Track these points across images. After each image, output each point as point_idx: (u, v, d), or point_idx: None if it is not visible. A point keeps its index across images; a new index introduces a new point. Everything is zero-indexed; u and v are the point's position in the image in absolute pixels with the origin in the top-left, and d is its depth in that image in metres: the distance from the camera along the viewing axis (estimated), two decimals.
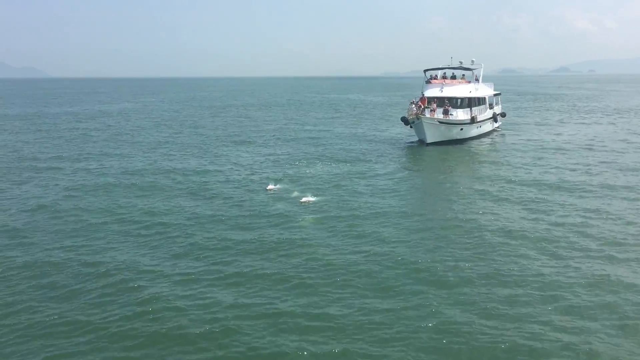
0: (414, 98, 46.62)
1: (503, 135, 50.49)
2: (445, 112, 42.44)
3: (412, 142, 45.42)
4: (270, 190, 27.01)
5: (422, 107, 41.96)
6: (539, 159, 36.13)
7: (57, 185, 28.99)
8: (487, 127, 50.10)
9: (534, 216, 22.26)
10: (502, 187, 27.67)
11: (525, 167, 33.33)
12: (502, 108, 58.83)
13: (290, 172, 32.31)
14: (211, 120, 69.70)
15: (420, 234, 19.88)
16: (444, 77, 48.94)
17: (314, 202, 24.47)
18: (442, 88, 46.00)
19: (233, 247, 18.56)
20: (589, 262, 17.07)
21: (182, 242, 19.17)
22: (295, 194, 25.87)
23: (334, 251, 18.04)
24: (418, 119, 40.97)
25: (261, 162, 35.94)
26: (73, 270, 16.73)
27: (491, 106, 52.27)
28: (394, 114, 75.84)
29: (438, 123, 41.70)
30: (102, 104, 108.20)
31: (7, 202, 25.39)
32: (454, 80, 48.36)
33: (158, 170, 33.10)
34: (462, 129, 43.81)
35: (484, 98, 50.06)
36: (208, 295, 14.75)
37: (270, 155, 39.14)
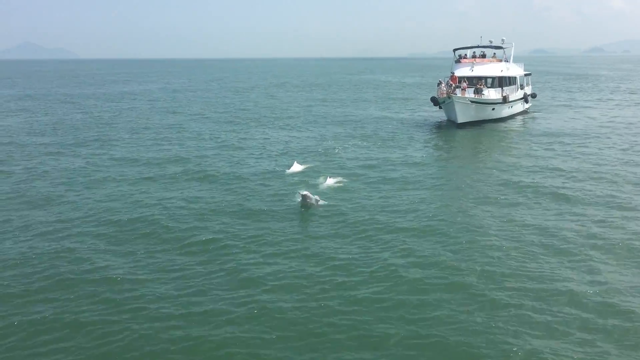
0: (442, 78, 45.79)
1: (533, 116, 49.36)
2: (477, 92, 41.59)
3: (440, 123, 44.68)
4: (293, 172, 26.43)
5: (453, 86, 41.14)
6: (572, 143, 34.88)
7: (87, 164, 29.41)
8: (518, 107, 49.11)
9: (572, 210, 20.60)
10: (538, 174, 26.01)
11: (558, 152, 32.20)
12: (532, 89, 57.54)
13: (316, 153, 32.08)
14: (238, 101, 69.69)
15: (453, 226, 18.46)
16: (474, 56, 47.89)
17: (340, 185, 24.07)
18: (473, 67, 45.05)
19: (253, 232, 18.09)
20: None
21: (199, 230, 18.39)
22: (320, 179, 24.86)
23: (357, 243, 17.11)
24: (449, 98, 40.21)
25: (287, 143, 35.83)
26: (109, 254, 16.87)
27: (522, 87, 51.13)
28: (422, 95, 74.85)
29: (469, 102, 40.93)
30: (128, 84, 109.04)
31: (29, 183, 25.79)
32: (485, 59, 47.29)
33: (173, 155, 32.69)
34: (493, 109, 42.97)
35: (515, 78, 48.97)
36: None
37: (296, 136, 38.96)
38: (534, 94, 55.25)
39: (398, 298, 13.18)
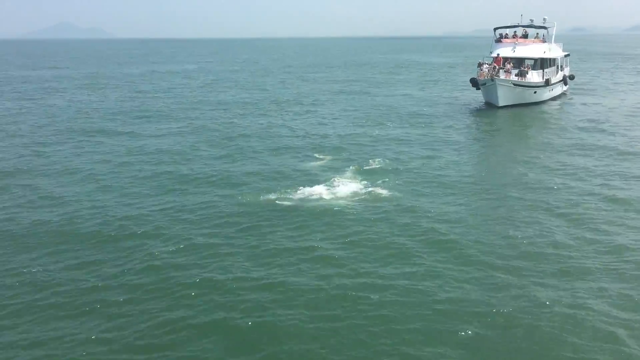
0: (482, 59, 44.64)
1: (572, 99, 47.81)
2: (521, 74, 40.42)
3: (479, 105, 43.61)
4: (323, 159, 26.05)
5: (497, 68, 40.03)
6: (616, 126, 33.71)
7: (125, 144, 29.70)
8: (558, 90, 47.80)
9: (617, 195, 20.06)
10: (587, 164, 24.66)
11: (603, 135, 31.14)
12: (570, 70, 55.80)
13: (349, 136, 31.64)
14: (268, 81, 69.39)
15: (495, 221, 17.60)
16: (515, 36, 46.46)
17: (377, 169, 23.75)
18: (515, 47, 43.67)
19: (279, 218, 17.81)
20: None
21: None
22: (352, 167, 24.08)
23: (392, 230, 16.68)
24: (492, 80, 39.11)
25: (320, 125, 35.51)
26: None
27: (561, 68, 49.68)
28: (458, 75, 73.34)
29: (512, 85, 39.85)
30: (163, 64, 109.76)
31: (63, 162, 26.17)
32: (527, 40, 45.85)
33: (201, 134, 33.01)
34: (535, 92, 41.81)
35: (555, 59, 47.52)
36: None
37: (330, 118, 38.52)
38: (572, 75, 53.68)
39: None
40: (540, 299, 12.33)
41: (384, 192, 20.09)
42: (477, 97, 46.34)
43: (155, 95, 53.26)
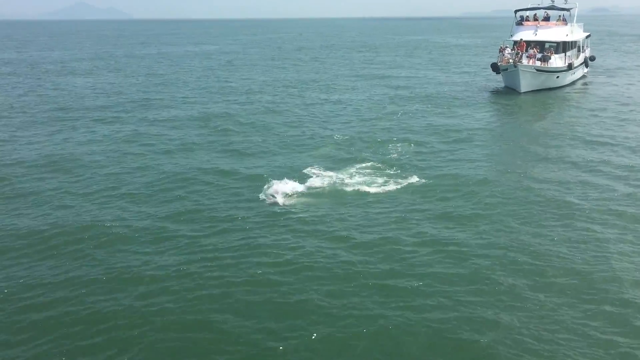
0: (503, 42, 43.84)
1: (594, 82, 46.86)
2: (544, 59, 39.63)
3: (499, 90, 42.83)
4: (341, 143, 25.91)
5: (520, 52, 39.29)
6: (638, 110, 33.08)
7: (144, 119, 29.83)
8: (579, 73, 47.00)
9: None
10: (612, 156, 23.72)
11: (628, 124, 30.46)
12: (590, 51, 54.84)
13: (368, 121, 31.41)
14: (284, 63, 69.02)
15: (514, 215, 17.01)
16: (536, 18, 45.39)
17: (395, 155, 23.64)
18: (537, 31, 42.72)
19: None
20: None
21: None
22: (370, 152, 23.93)
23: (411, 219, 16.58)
24: (515, 66, 38.31)
25: (338, 108, 35.28)
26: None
27: (582, 49, 48.79)
28: (479, 58, 72.13)
29: (535, 71, 39.12)
30: (178, 46, 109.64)
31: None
32: (550, 22, 44.85)
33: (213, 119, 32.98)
34: (557, 77, 41.05)
35: (577, 41, 46.64)
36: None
37: (348, 101, 38.23)
38: (592, 56, 52.74)
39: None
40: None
41: (401, 179, 19.96)
42: (497, 80, 45.57)
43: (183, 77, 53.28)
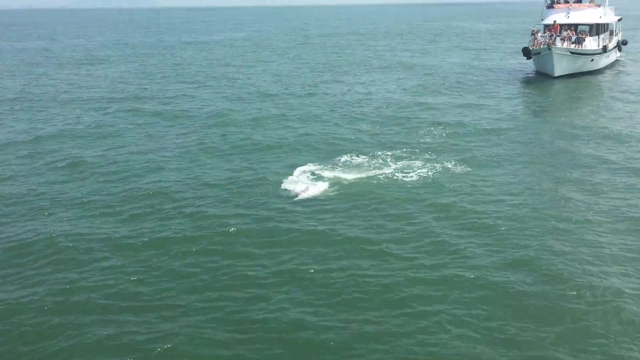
0: (534, 26, 42.85)
1: (627, 66, 45.59)
2: (578, 42, 38.59)
3: (530, 75, 41.85)
4: (371, 129, 25.67)
5: (554, 35, 38.37)
6: None
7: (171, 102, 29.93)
8: (613, 57, 45.75)
9: None
10: None
11: None
12: (622, 35, 53.06)
13: (400, 108, 31.02)
14: (309, 50, 68.49)
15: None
16: (567, 1, 43.84)
17: (425, 142, 23.29)
18: (569, 13, 41.47)
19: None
20: None
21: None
22: (401, 139, 23.64)
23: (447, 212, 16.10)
24: (549, 49, 37.24)
25: (368, 95, 34.90)
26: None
27: (614, 33, 47.33)
28: (509, 43, 70.59)
29: (569, 54, 38.13)
30: (201, 34, 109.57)
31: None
32: (582, 4, 43.52)
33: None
34: (592, 60, 39.97)
35: (609, 24, 45.25)
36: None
37: (378, 88, 37.74)
38: (625, 40, 51.21)
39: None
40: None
41: (437, 164, 19.82)
42: (528, 65, 44.55)
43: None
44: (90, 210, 16.57)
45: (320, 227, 14.88)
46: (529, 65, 43.94)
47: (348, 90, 37.18)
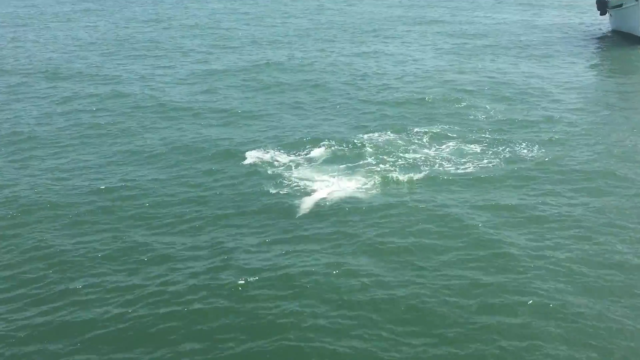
0: None
1: None
2: None
3: (606, 35, 34.34)
4: (402, 103, 22.19)
5: None
6: None
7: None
8: None
9: None
10: None
11: None
12: None
13: (431, 78, 25.79)
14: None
15: None
16: None
17: (470, 122, 19.92)
18: None
19: None
20: None
21: None
22: (440, 115, 20.24)
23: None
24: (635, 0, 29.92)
25: (397, 62, 28.84)
26: None
27: None
28: None
29: None
30: None
31: None
32: None
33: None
34: None
35: None
36: None
37: (408, 53, 30.79)
38: None
39: None
40: None
41: (492, 153, 16.86)
42: (603, 24, 36.57)
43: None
44: None
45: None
46: (604, 23, 36.11)
47: (367, 56, 30.37)
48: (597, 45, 32.79)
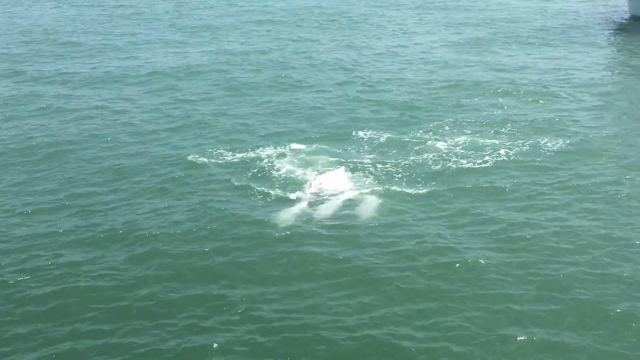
0: None
1: None
2: None
3: (625, 19, 33.04)
4: (404, 99, 21.28)
5: None
6: None
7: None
8: None
9: None
10: None
11: None
12: None
13: (443, 69, 24.68)
14: None
15: None
16: None
17: (481, 120, 19.20)
18: None
19: None
20: None
21: None
22: (447, 111, 19.56)
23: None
24: None
25: (399, 49, 27.83)
26: None
27: None
28: None
29: None
30: None
31: None
32: None
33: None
34: None
35: None
36: None
37: (411, 41, 29.72)
38: None
39: None
40: None
41: (509, 151, 16.08)
42: (621, 7, 35.14)
43: None
44: None
45: None
46: (623, 7, 34.50)
47: (363, 45, 28.98)
48: (614, 32, 31.29)
